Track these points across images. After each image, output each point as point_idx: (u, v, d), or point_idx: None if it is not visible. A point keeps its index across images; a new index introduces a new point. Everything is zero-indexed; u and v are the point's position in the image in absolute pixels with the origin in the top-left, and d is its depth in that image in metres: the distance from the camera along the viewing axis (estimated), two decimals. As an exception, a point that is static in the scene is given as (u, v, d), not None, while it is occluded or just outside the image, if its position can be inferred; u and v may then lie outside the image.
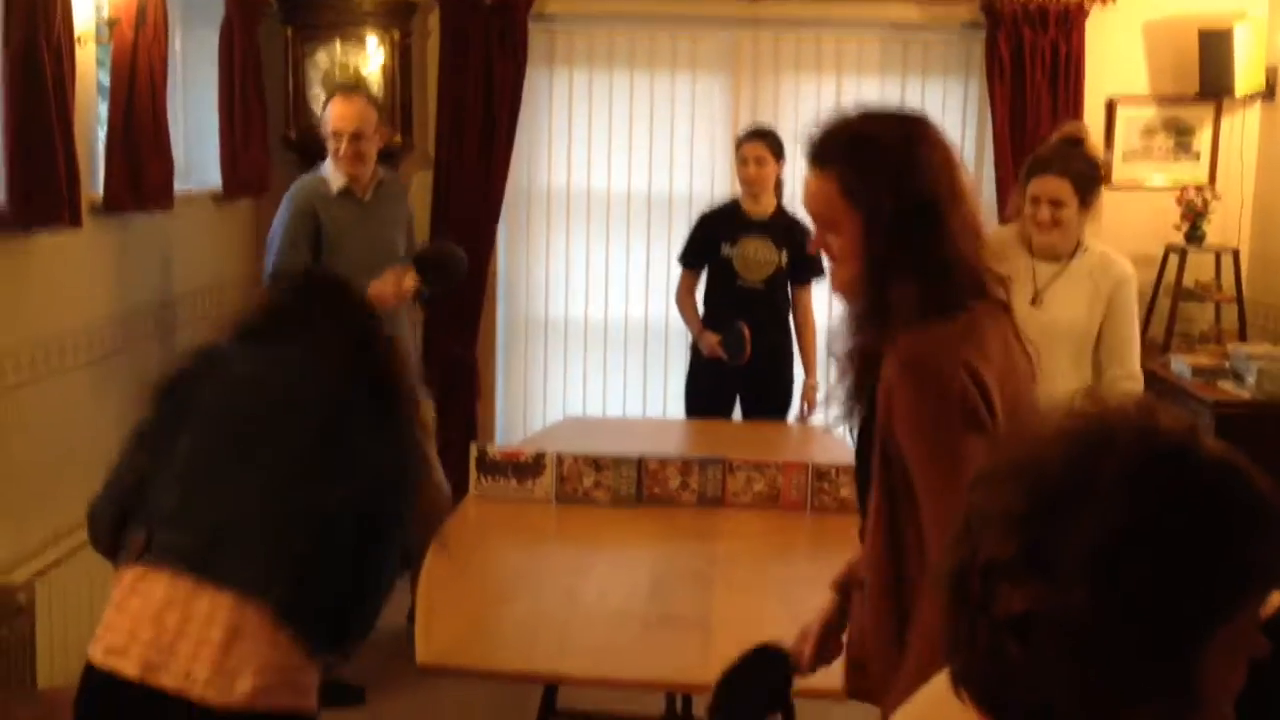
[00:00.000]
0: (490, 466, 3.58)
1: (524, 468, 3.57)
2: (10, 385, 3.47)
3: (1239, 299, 5.19)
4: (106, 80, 4.01)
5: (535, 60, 5.47)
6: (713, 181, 5.62)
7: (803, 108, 5.54)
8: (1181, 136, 5.47)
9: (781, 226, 4.81)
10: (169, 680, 1.97)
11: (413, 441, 2.22)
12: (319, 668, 2.11)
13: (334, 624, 2.09)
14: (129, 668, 1.99)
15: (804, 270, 4.82)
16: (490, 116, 5.35)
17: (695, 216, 5.02)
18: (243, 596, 2.00)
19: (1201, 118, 5.43)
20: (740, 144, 4.84)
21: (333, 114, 4.14)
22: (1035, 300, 3.51)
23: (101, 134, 3.99)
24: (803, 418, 4.89)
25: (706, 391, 4.92)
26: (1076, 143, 3.55)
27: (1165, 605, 1.03)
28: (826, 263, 1.98)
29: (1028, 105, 5.31)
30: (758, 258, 4.79)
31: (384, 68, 5.28)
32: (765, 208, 4.82)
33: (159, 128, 4.08)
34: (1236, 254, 5.23)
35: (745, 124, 5.51)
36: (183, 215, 4.40)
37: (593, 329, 5.74)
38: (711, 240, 4.86)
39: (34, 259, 3.59)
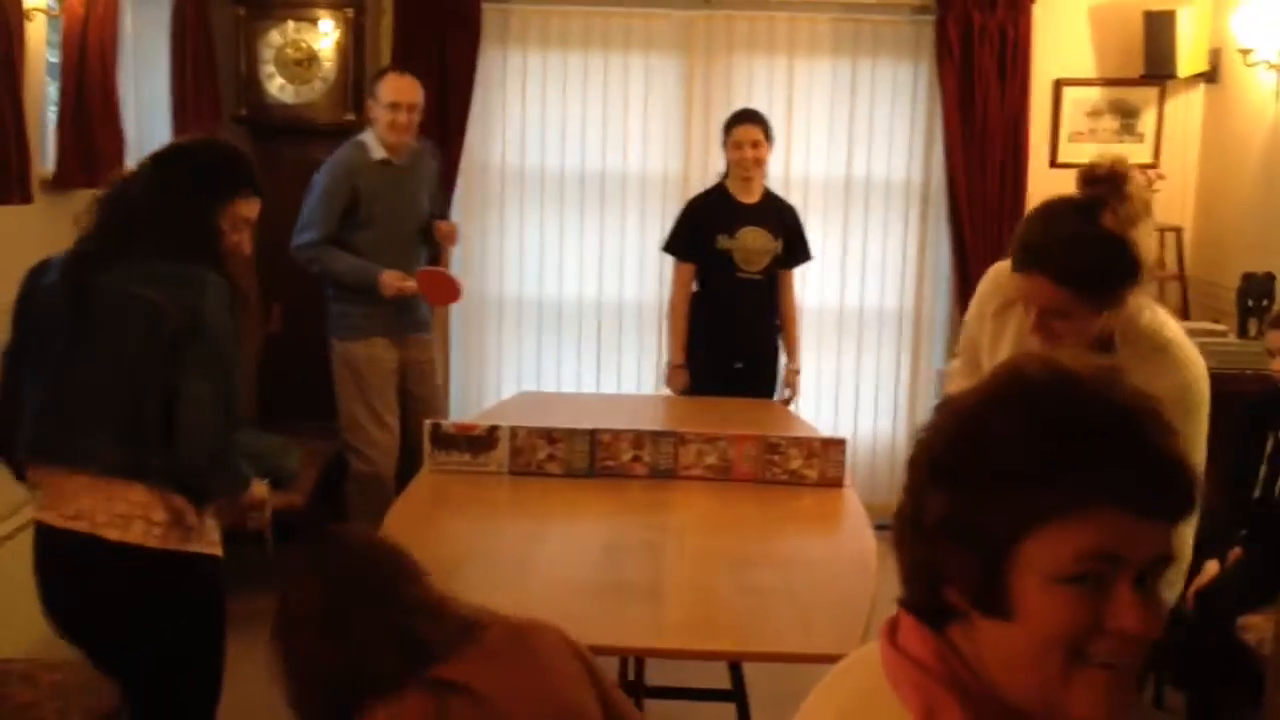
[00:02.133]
0: (444, 440, 3.60)
1: (478, 441, 3.59)
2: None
3: (1181, 277, 5.29)
4: (56, 58, 3.99)
5: (489, 39, 5.49)
6: (665, 161, 5.66)
7: (755, 88, 5.59)
8: (1127, 118, 5.56)
9: (774, 212, 4.77)
10: (83, 527, 2.53)
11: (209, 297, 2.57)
12: (198, 513, 2.62)
13: (174, 471, 2.55)
14: (54, 520, 2.57)
15: (796, 255, 4.81)
16: (444, 96, 5.36)
17: (670, 201, 5.08)
18: (99, 468, 2.54)
19: (1146, 99, 5.53)
20: (731, 127, 4.73)
21: (391, 87, 4.57)
22: None
23: (52, 111, 3.98)
24: (786, 402, 4.85)
25: (697, 378, 4.88)
26: (1095, 181, 2.15)
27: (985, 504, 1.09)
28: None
29: (976, 88, 5.38)
30: (757, 247, 4.73)
31: (337, 45, 5.29)
32: (756, 193, 4.77)
33: (110, 104, 4.08)
34: (1180, 232, 5.33)
35: (703, 104, 5.58)
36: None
37: (547, 307, 5.77)
38: (705, 231, 4.77)
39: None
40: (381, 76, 4.68)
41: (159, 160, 2.71)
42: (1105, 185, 2.14)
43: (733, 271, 4.75)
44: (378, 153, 4.62)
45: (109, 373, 2.55)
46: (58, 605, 2.62)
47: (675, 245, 4.89)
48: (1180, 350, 2.23)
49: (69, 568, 2.58)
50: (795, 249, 4.80)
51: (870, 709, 1.15)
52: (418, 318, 4.87)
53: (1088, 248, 2.15)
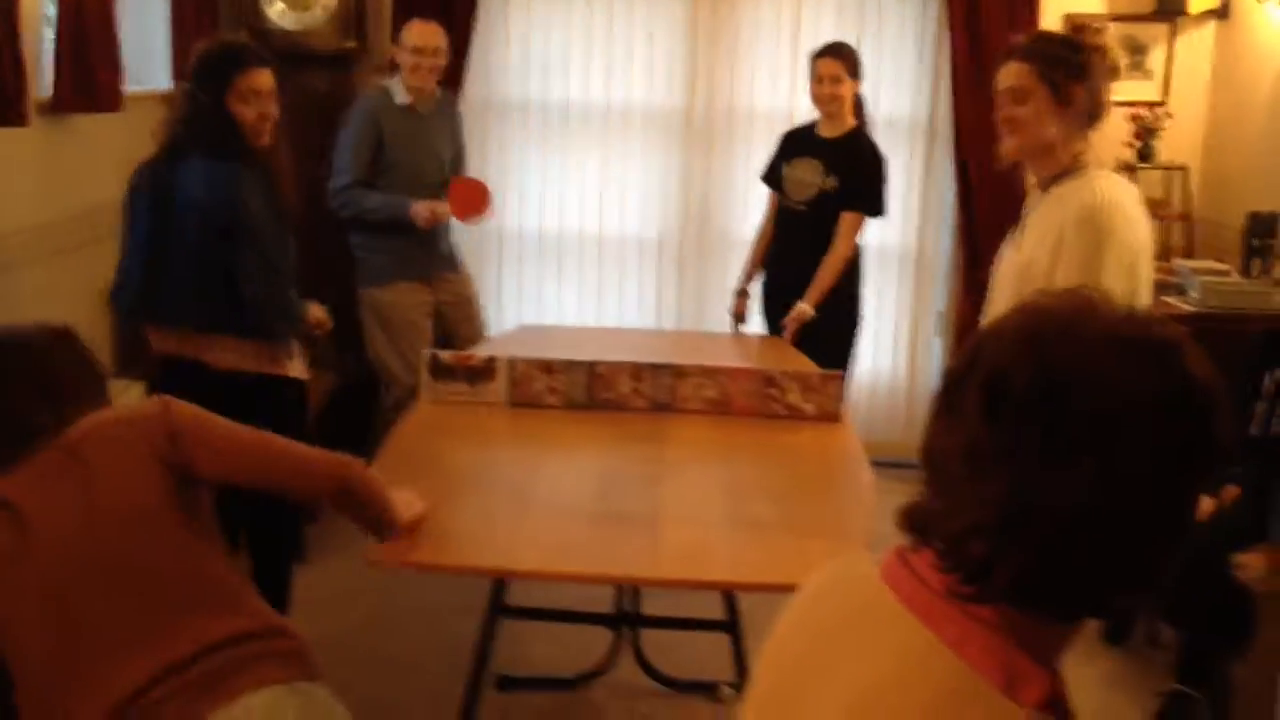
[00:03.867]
0: (443, 371, 3.59)
1: (476, 372, 3.59)
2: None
3: (1187, 216, 5.25)
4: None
5: (492, -32, 5.42)
6: (669, 94, 5.60)
7: (761, 22, 5.53)
8: (1136, 55, 5.48)
9: (844, 150, 4.60)
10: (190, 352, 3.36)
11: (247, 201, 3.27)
12: (274, 344, 3.39)
13: (245, 314, 3.28)
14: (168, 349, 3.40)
15: (851, 199, 4.57)
16: (447, 23, 5.28)
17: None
18: (192, 326, 3.33)
19: (1156, 36, 5.45)
20: (813, 60, 4.61)
21: (414, 33, 4.66)
22: (1018, 241, 2.92)
23: (50, 35, 3.93)
24: (779, 332, 4.63)
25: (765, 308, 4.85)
26: (1079, 29, 2.97)
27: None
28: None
29: (984, 22, 5.30)
30: (803, 178, 4.64)
31: (338, -28, 5.21)
32: (838, 128, 4.63)
33: (108, 26, 4.03)
34: (1186, 172, 5.29)
35: (708, 37, 5.52)
36: (132, 116, 4.35)
37: (548, 241, 5.74)
38: (779, 158, 4.77)
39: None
40: (407, 22, 4.74)
41: (186, 72, 3.35)
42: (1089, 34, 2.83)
43: (785, 199, 4.74)
44: (401, 98, 4.71)
45: (181, 257, 3.25)
46: None
47: (764, 173, 4.89)
48: (1098, 181, 2.72)
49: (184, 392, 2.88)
50: (852, 191, 4.57)
51: (937, 677, 1.10)
52: (443, 255, 4.92)
53: (1050, 39, 2.79)
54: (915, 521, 1.18)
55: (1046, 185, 2.83)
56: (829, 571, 1.33)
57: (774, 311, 4.78)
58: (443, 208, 4.68)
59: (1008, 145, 2.81)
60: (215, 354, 3.33)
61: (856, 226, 4.61)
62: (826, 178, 4.59)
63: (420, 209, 4.64)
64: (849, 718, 1.15)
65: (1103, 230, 2.65)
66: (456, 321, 4.96)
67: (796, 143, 4.75)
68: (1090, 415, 1.06)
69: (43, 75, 3.90)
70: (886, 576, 1.20)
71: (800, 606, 1.33)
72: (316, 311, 3.61)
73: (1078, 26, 2.81)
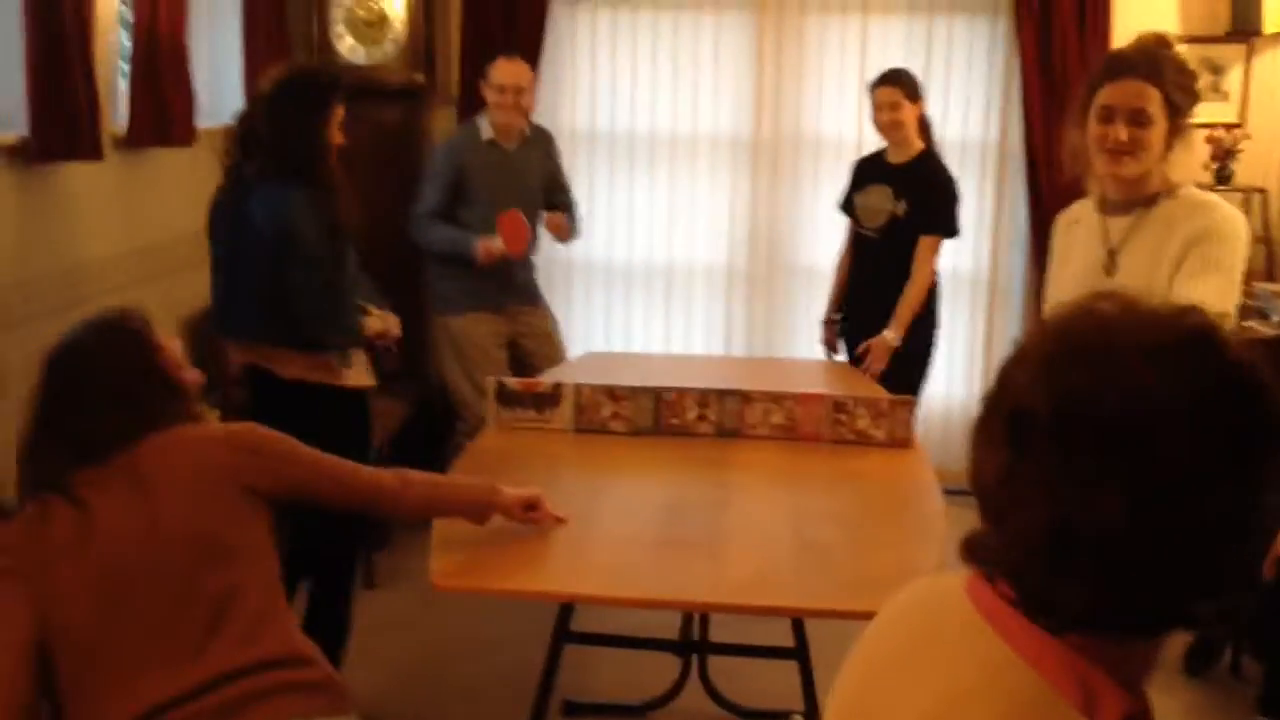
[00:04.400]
0: (509, 398, 3.59)
1: (543, 398, 3.58)
2: (33, 314, 3.51)
3: (1267, 239, 5.15)
4: (130, 15, 4.02)
5: (558, -1, 5.46)
6: (736, 122, 5.60)
7: (827, 48, 5.51)
8: (1212, 76, 5.39)
9: (910, 175, 4.59)
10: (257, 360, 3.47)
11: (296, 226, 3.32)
12: (330, 356, 3.45)
13: (296, 328, 3.36)
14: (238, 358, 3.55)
15: (921, 221, 4.55)
16: (516, 55, 5.33)
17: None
18: (250, 338, 3.47)
19: (1232, 57, 5.37)
20: (872, 90, 4.63)
21: (499, 71, 4.72)
22: (1109, 267, 2.73)
23: (125, 68, 4.02)
24: (864, 369, 4.53)
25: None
26: (1166, 45, 2.67)
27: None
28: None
29: (1054, 45, 5.26)
30: (875, 205, 4.64)
31: (408, 6, 5.29)
32: (905, 154, 4.63)
33: (181, 62, 4.10)
34: (1265, 195, 5.18)
35: (774, 64, 5.52)
36: (205, 150, 4.42)
37: (616, 270, 5.75)
38: (852, 187, 4.79)
39: (56, 191, 3.62)
40: (493, 60, 4.80)
41: (268, 95, 3.35)
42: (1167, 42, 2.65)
43: (859, 226, 4.73)
44: (487, 133, 4.80)
45: (248, 276, 3.37)
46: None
47: (840, 200, 4.89)
48: (1215, 201, 2.65)
49: (257, 398, 3.47)
50: (924, 215, 4.55)
51: (1015, 691, 1.09)
52: (517, 287, 4.94)
53: (1171, 62, 2.61)
54: (976, 553, 1.17)
55: (1131, 208, 2.70)
56: (916, 585, 1.32)
57: (853, 338, 4.76)
58: (497, 243, 4.67)
59: (1130, 169, 2.64)
60: (281, 365, 3.44)
61: (934, 249, 4.58)
62: (897, 203, 4.56)
63: (479, 247, 4.68)
64: None
65: (1236, 243, 2.61)
66: (535, 355, 4.97)
67: (867, 170, 4.76)
68: (1112, 434, 1.03)
69: (117, 109, 3.97)
70: (970, 590, 1.19)
71: (885, 617, 1.33)
72: (375, 323, 3.64)
73: (1165, 40, 2.64)
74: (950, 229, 4.62)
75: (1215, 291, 2.52)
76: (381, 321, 3.68)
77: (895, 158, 4.65)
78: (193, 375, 2.43)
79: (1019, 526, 1.08)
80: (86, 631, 2.10)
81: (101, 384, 2.24)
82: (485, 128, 4.81)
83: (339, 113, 3.43)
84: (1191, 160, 5.17)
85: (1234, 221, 2.62)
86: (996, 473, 1.10)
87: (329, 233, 3.38)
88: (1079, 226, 2.82)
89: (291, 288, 3.32)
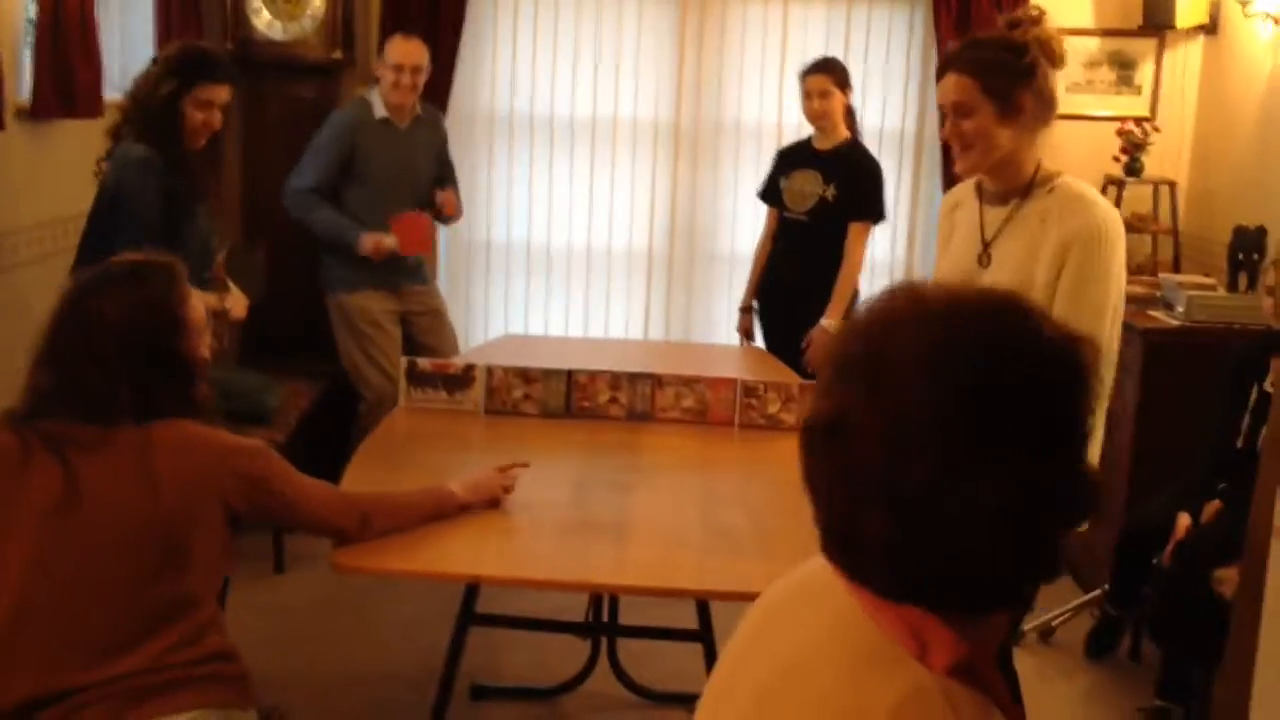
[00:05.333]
0: (421, 378, 3.57)
1: (454, 380, 3.56)
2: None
3: (1174, 231, 5.24)
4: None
5: (479, -21, 5.41)
6: (657, 107, 5.59)
7: (749, 34, 5.52)
8: (1124, 69, 5.48)
9: (838, 160, 4.69)
10: None
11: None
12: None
13: None
14: None
15: (851, 207, 4.66)
16: (433, 37, 5.28)
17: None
18: None
19: (1144, 51, 5.45)
20: (802, 78, 4.72)
21: (396, 50, 4.65)
22: (983, 258, 2.69)
23: (30, 40, 3.92)
24: (802, 353, 4.60)
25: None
26: (1015, 25, 2.59)
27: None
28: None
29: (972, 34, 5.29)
30: (802, 189, 4.72)
31: (326, -18, 5.21)
32: (834, 140, 4.72)
33: (88, 34, 4.01)
34: (1174, 187, 5.27)
35: (695, 49, 5.51)
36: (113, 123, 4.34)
37: (535, 253, 5.72)
38: (775, 174, 4.85)
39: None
40: (389, 37, 4.74)
41: (153, 58, 3.55)
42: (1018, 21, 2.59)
43: (784, 211, 4.80)
44: (380, 111, 4.70)
45: (90, 231, 3.45)
46: None
47: (761, 190, 4.96)
48: (1093, 197, 2.60)
49: None
50: (853, 200, 4.65)
51: (855, 642, 1.13)
52: (409, 267, 4.88)
53: (987, 44, 2.58)
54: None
55: (1007, 199, 2.66)
56: (803, 564, 1.34)
57: (774, 321, 4.84)
58: (389, 240, 4.64)
59: (963, 164, 2.64)
60: None
61: (865, 235, 4.73)
62: (826, 187, 4.67)
63: (367, 241, 4.63)
64: (776, 680, 1.18)
65: (1114, 247, 2.55)
66: (425, 332, 4.94)
67: (793, 157, 4.83)
68: (871, 454, 1.08)
69: (21, 81, 3.88)
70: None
71: (767, 592, 1.34)
72: (211, 299, 3.47)
73: (1014, 21, 2.58)
74: (879, 214, 4.74)
75: (1092, 310, 2.50)
76: (220, 300, 3.59)
77: (822, 144, 4.73)
78: (207, 349, 2.40)
79: (817, 514, 1.17)
80: (17, 593, 2.08)
81: (120, 350, 2.19)
82: (378, 105, 4.71)
83: (205, 92, 3.49)
84: (1102, 151, 5.26)
85: (1111, 223, 2.55)
86: (801, 468, 1.17)
87: (166, 198, 3.41)
88: (961, 211, 2.82)
89: (118, 243, 3.18)
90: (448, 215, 4.98)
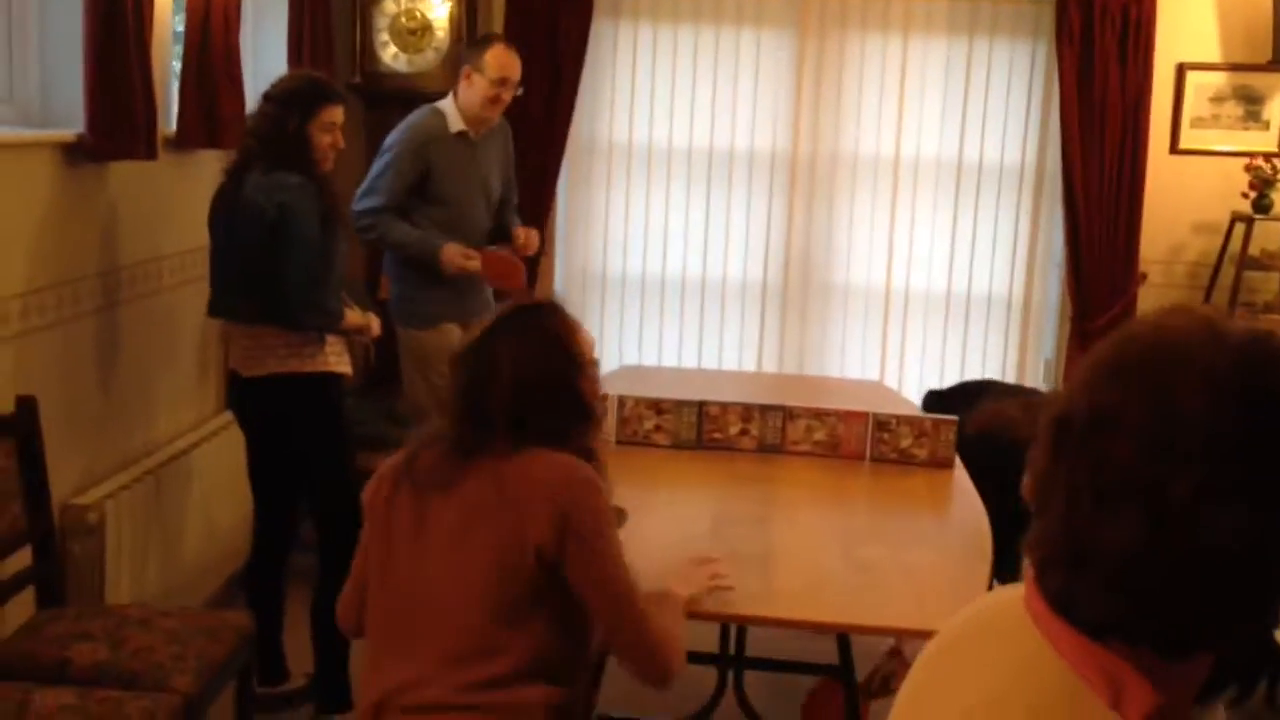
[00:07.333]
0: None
1: (585, 409, 3.58)
2: (87, 310, 3.54)
3: (1305, 268, 5.14)
4: (181, 27, 4.06)
5: (601, 12, 5.47)
6: (774, 139, 5.60)
7: (868, 66, 5.52)
8: (1251, 104, 5.40)
9: None
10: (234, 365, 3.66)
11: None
12: (311, 340, 3.55)
13: (281, 307, 3.47)
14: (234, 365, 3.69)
15: None
16: (555, 68, 5.36)
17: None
18: (243, 318, 3.57)
19: (1272, 86, 5.36)
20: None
21: (502, 61, 4.27)
22: None
23: (177, 75, 4.06)
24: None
25: None
26: None
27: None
28: None
29: (1096, 70, 5.25)
30: None
31: (450, 16, 5.31)
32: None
33: (231, 69, 4.14)
34: (1302, 225, 5.18)
35: (813, 81, 5.52)
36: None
37: (650, 284, 5.75)
38: None
39: (111, 190, 3.66)
40: (487, 46, 4.34)
41: (265, 95, 3.58)
42: None
43: None
44: (456, 124, 4.32)
45: (239, 256, 3.49)
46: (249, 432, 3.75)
47: None
48: None
49: (236, 399, 3.75)
50: None
51: (1047, 684, 1.10)
52: (484, 299, 4.48)
53: None
54: (1027, 549, 1.17)
55: None
56: (982, 597, 1.33)
57: None
58: (474, 262, 4.26)
59: None
60: (258, 360, 3.56)
61: None
62: None
63: (450, 256, 4.23)
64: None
65: None
66: None
67: None
68: (1136, 454, 1.03)
69: (169, 112, 4.00)
70: (1026, 593, 1.20)
71: (948, 627, 1.33)
72: (355, 317, 3.65)
73: None
74: None
75: None
76: (362, 317, 3.71)
77: None
78: (599, 399, 2.45)
79: (1044, 528, 1.10)
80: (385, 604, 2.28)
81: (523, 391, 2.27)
82: (454, 118, 4.31)
83: (327, 115, 3.56)
84: (1229, 188, 5.18)
85: None
86: (1037, 473, 1.12)
87: (321, 220, 3.49)
88: None
89: (282, 263, 3.42)
90: (525, 254, 4.55)
